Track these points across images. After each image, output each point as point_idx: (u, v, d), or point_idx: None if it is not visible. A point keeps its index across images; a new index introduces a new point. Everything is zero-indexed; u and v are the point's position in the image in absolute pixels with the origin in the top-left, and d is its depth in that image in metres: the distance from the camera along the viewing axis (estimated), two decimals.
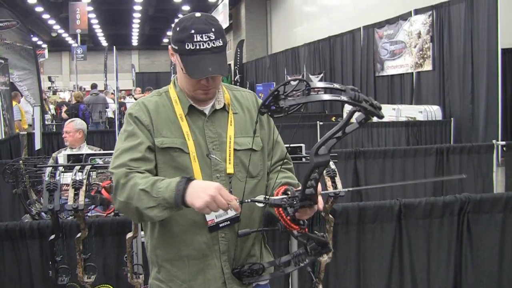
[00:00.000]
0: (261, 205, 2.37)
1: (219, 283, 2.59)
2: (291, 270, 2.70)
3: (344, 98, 2.03)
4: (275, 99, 2.04)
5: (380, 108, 2.05)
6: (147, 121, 2.56)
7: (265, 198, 2.34)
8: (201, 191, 2.25)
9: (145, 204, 2.33)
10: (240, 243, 2.62)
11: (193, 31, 2.45)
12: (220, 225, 2.53)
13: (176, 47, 2.50)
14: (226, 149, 2.59)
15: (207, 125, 2.60)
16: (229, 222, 2.54)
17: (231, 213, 2.53)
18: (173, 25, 2.66)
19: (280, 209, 2.34)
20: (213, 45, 2.46)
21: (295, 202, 2.31)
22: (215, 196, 2.23)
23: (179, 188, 2.28)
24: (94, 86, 19.81)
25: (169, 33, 48.04)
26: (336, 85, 2.06)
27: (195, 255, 2.56)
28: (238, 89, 2.82)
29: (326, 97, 2.06)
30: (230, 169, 2.57)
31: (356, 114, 2.08)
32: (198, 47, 2.45)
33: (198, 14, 2.52)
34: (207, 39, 2.45)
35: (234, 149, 2.60)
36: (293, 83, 2.04)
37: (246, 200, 2.35)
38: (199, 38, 2.45)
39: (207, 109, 2.63)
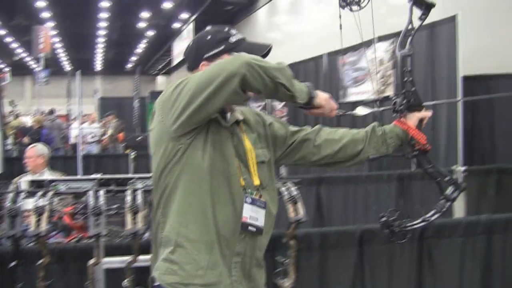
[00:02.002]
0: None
1: (227, 282, 2.58)
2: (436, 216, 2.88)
3: None
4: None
5: None
6: None
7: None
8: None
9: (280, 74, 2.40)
10: (254, 250, 2.64)
11: (226, 29, 2.68)
12: (249, 227, 2.56)
13: (221, 48, 2.61)
14: (249, 161, 2.64)
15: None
16: (255, 230, 2.57)
17: (259, 222, 2.58)
18: (192, 45, 2.77)
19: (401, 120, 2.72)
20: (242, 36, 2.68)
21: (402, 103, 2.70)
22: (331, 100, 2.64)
23: (310, 86, 2.56)
24: (51, 111, 19.64)
25: (134, 58, 48.22)
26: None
27: (213, 245, 2.54)
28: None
29: None
30: (256, 181, 2.63)
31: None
32: (239, 38, 2.66)
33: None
34: (237, 32, 2.69)
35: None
36: None
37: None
38: (234, 32, 2.68)
39: (227, 117, 2.69)
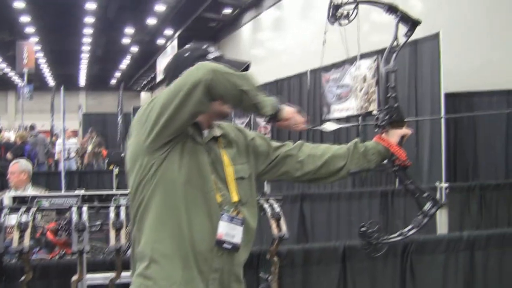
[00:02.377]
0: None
1: None
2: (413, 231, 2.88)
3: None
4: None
5: None
6: None
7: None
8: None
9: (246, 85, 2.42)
10: (232, 266, 2.62)
11: (204, 46, 2.70)
12: (224, 244, 2.53)
13: None
14: (227, 177, 2.63)
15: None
16: (230, 247, 2.55)
17: (236, 240, 2.55)
18: (170, 63, 2.77)
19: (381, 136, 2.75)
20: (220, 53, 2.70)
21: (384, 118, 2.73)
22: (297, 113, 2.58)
23: (276, 100, 2.52)
24: (32, 127, 19.57)
25: (118, 73, 48.18)
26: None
27: (190, 261, 2.51)
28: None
29: None
30: (235, 197, 2.62)
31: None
32: (217, 55, 2.67)
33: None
34: (216, 50, 2.71)
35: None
36: None
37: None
38: (212, 49, 2.70)
39: (205, 133, 2.68)
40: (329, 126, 2.76)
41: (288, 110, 2.51)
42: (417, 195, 2.82)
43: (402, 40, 2.86)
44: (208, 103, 2.39)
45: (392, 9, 2.78)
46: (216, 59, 2.62)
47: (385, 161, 2.81)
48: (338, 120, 15.47)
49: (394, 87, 2.74)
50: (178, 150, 2.52)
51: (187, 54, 2.67)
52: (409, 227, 2.84)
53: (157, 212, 2.55)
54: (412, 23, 2.84)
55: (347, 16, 2.73)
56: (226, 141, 2.76)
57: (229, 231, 2.53)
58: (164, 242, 2.52)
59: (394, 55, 2.80)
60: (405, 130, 2.80)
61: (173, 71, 2.69)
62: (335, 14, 2.70)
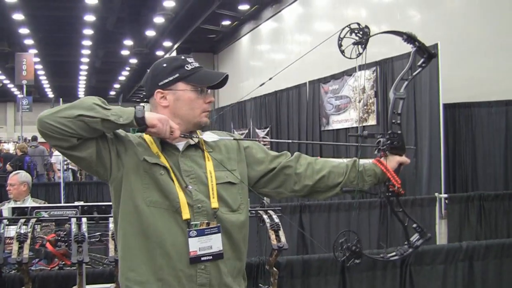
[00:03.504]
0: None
1: None
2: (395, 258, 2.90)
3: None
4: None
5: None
6: (133, 142, 2.61)
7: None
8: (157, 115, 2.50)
9: (93, 113, 2.40)
10: (220, 278, 2.58)
11: (183, 57, 2.66)
12: (202, 258, 2.51)
13: (175, 76, 2.60)
14: (208, 183, 2.60)
15: (181, 159, 2.62)
16: (211, 257, 2.52)
17: (215, 248, 2.53)
18: (148, 73, 2.73)
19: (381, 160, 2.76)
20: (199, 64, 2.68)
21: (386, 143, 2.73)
22: (168, 120, 2.49)
23: (139, 109, 2.46)
24: (34, 138, 19.56)
25: (117, 85, 48.26)
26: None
27: (170, 282, 2.49)
28: (218, 139, 2.86)
29: None
30: (214, 204, 2.57)
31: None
32: (195, 66, 2.65)
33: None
34: (194, 61, 2.68)
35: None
36: None
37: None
38: (191, 60, 2.66)
39: (180, 144, 2.66)
40: (207, 137, 2.73)
41: (154, 117, 2.47)
42: (406, 224, 2.83)
43: (415, 69, 2.88)
44: (67, 139, 2.40)
45: (411, 38, 2.78)
46: (194, 70, 2.63)
47: (380, 184, 2.82)
48: (338, 131, 15.50)
49: (400, 114, 2.74)
50: (132, 178, 2.55)
51: (164, 65, 2.65)
52: (393, 253, 2.85)
53: (124, 242, 2.58)
54: (428, 55, 2.85)
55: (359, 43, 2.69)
56: (214, 145, 2.76)
57: (203, 244, 2.50)
58: (137, 270, 2.53)
59: (406, 83, 2.81)
60: (404, 158, 2.80)
61: (150, 81, 2.68)
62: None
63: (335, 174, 2.85)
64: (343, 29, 2.59)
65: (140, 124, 2.43)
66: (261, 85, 3.03)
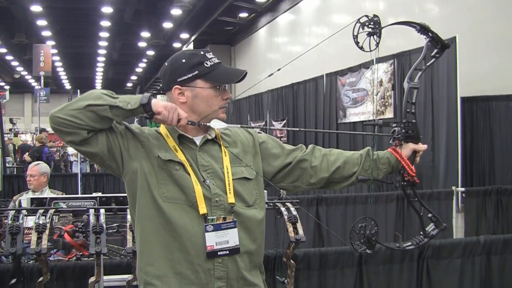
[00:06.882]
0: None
1: None
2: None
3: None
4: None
5: None
6: (147, 139, 2.64)
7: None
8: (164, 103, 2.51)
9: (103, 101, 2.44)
10: (238, 271, 2.60)
11: (202, 52, 2.66)
12: (219, 253, 2.53)
13: (195, 73, 2.61)
14: (225, 179, 2.62)
15: (199, 153, 2.64)
16: (228, 252, 2.55)
17: (231, 243, 2.55)
18: (166, 67, 2.73)
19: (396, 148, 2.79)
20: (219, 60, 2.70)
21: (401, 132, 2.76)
22: (176, 108, 2.51)
23: (146, 95, 2.49)
24: (42, 130, 19.63)
25: (134, 77, 48.34)
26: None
27: (188, 275, 2.52)
28: (226, 127, 2.88)
29: None
30: (231, 199, 2.60)
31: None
32: (214, 62, 2.65)
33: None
34: (214, 56, 2.69)
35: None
36: None
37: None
38: (210, 56, 2.67)
39: (198, 139, 2.69)
40: (214, 124, 2.73)
41: (159, 104, 2.48)
42: (421, 214, 2.82)
43: (429, 60, 2.88)
44: (78, 132, 2.45)
45: (424, 29, 2.77)
46: (214, 66, 2.63)
47: (395, 173, 2.81)
48: (354, 124, 15.45)
49: (414, 103, 2.74)
50: (147, 174, 2.57)
51: (183, 61, 2.64)
52: (409, 243, 2.85)
53: (142, 237, 2.60)
54: (442, 46, 2.84)
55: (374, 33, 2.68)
56: (230, 141, 2.78)
57: (219, 239, 2.53)
58: (155, 264, 2.55)
59: (420, 73, 2.81)
60: (419, 146, 2.79)
61: (169, 76, 2.68)
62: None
63: (350, 164, 2.86)
64: (354, 26, 2.59)
65: (147, 111, 2.45)
66: (269, 76, 3.09)
